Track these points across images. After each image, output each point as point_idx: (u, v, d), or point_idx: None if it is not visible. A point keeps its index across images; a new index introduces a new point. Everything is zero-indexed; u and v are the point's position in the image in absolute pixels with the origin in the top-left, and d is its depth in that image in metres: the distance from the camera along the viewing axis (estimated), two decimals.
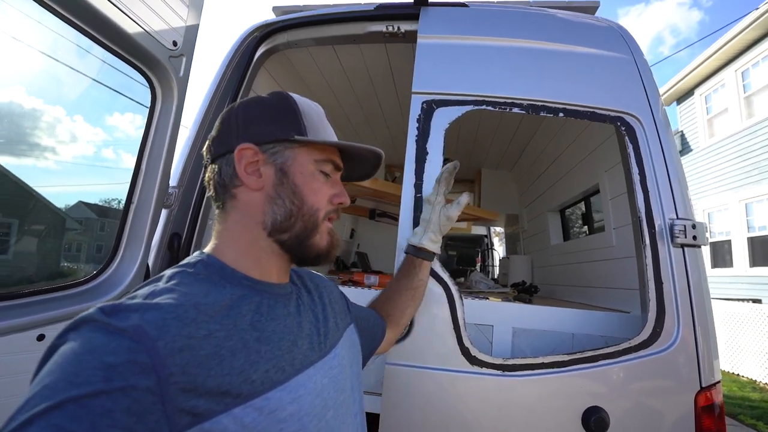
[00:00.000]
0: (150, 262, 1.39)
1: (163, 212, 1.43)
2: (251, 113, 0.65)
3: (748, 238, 7.50)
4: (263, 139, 0.63)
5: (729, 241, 7.90)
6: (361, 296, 1.35)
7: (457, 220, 2.56)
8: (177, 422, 0.42)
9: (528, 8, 1.49)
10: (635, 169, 1.25)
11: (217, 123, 0.67)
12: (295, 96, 0.68)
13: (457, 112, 1.32)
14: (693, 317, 1.14)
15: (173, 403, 0.42)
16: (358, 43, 1.72)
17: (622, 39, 1.39)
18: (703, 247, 1.21)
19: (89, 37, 1.21)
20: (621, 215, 1.63)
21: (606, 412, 1.09)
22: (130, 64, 1.32)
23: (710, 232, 8.42)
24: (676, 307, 1.15)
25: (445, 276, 1.21)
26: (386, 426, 1.13)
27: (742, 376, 5.87)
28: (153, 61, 1.33)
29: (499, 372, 1.13)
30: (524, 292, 2.18)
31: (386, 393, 1.15)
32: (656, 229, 1.19)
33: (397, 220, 1.30)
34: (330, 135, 0.69)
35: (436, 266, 1.22)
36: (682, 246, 1.18)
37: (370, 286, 1.73)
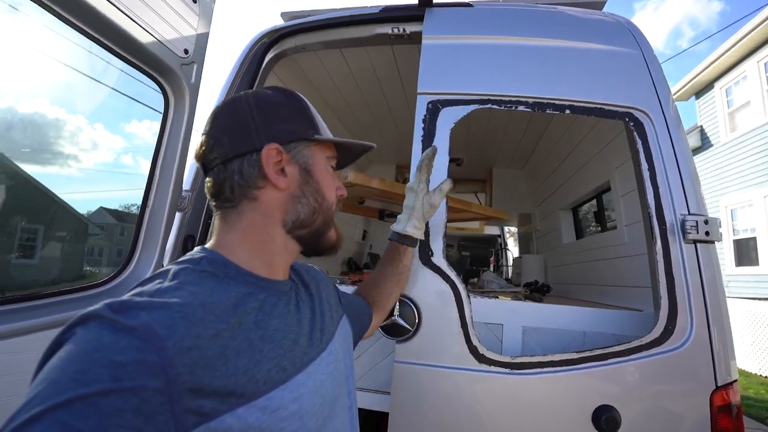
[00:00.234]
0: (165, 263, 1.43)
1: (177, 215, 1.47)
2: (269, 112, 0.64)
3: None
4: (286, 139, 0.63)
5: (754, 239, 7.64)
6: None
7: (468, 220, 2.56)
8: (184, 422, 0.43)
9: (533, 6, 1.48)
10: (645, 165, 1.23)
11: (221, 121, 0.63)
12: (299, 94, 0.69)
13: (462, 111, 1.33)
14: (707, 314, 1.12)
15: (180, 403, 0.42)
16: (364, 45, 1.74)
17: (630, 34, 1.37)
18: (718, 243, 1.18)
19: (104, 48, 1.26)
20: (632, 212, 1.60)
21: (617, 411, 1.07)
22: (143, 72, 1.36)
23: (734, 229, 8.17)
24: (689, 304, 1.13)
25: (452, 274, 1.21)
26: (395, 424, 1.14)
27: None
28: (165, 69, 1.37)
29: (507, 370, 1.13)
30: (536, 292, 2.16)
31: (395, 391, 1.16)
32: (667, 225, 1.18)
33: None
34: (329, 132, 0.71)
35: (443, 265, 1.22)
36: (695, 242, 1.16)
37: None
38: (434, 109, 1.34)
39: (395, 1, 1.63)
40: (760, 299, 6.36)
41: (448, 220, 1.35)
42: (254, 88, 1.67)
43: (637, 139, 1.25)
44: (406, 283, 1.12)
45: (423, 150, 1.32)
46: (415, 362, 1.16)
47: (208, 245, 0.62)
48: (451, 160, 3.64)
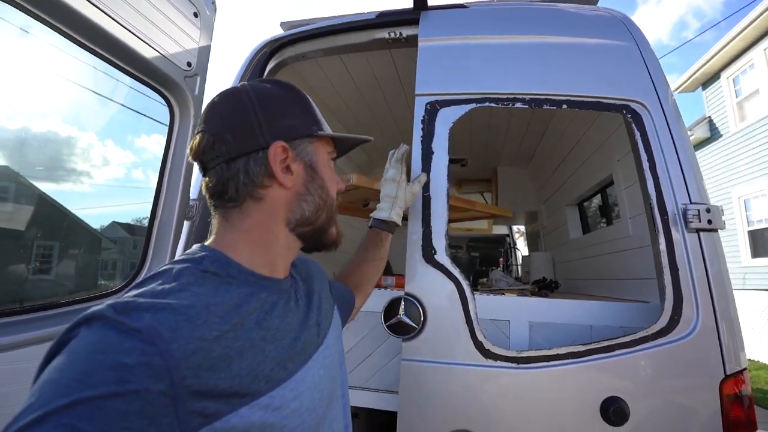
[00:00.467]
0: None
1: (186, 224, 1.51)
2: (272, 107, 0.62)
3: None
4: (291, 135, 0.62)
5: None
6: (380, 296, 1.39)
7: (472, 219, 2.57)
8: (188, 423, 0.43)
9: (527, 4, 1.50)
10: (644, 156, 1.24)
11: (221, 116, 0.61)
12: (297, 87, 0.68)
13: (460, 111, 1.34)
14: (713, 303, 1.12)
15: (185, 406, 0.42)
16: (363, 51, 1.77)
17: (625, 27, 1.38)
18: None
19: (110, 64, 1.30)
20: (635, 204, 1.60)
21: (625, 402, 1.07)
22: (148, 86, 1.41)
23: (748, 220, 8.02)
24: (694, 293, 1.12)
25: (456, 272, 1.23)
26: (404, 421, 1.15)
27: None
28: (170, 82, 1.42)
29: (513, 365, 1.14)
30: (545, 288, 2.16)
31: (402, 389, 1.17)
32: (669, 215, 1.18)
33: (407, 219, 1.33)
34: (327, 125, 0.70)
35: (447, 263, 1.24)
36: (698, 231, 1.16)
37: (387, 287, 1.76)
38: (432, 110, 1.36)
39: (391, 5, 1.66)
40: None
41: (453, 220, 1.36)
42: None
43: (636, 130, 1.26)
44: (383, 268, 1.16)
45: (423, 150, 1.34)
46: (421, 360, 1.18)
47: (208, 243, 0.61)
48: (455, 161, 3.66)
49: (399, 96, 2.40)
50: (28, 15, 1.09)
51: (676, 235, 1.16)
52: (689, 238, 1.16)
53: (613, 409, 1.06)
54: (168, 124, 1.48)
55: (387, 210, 1.15)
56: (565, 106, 1.30)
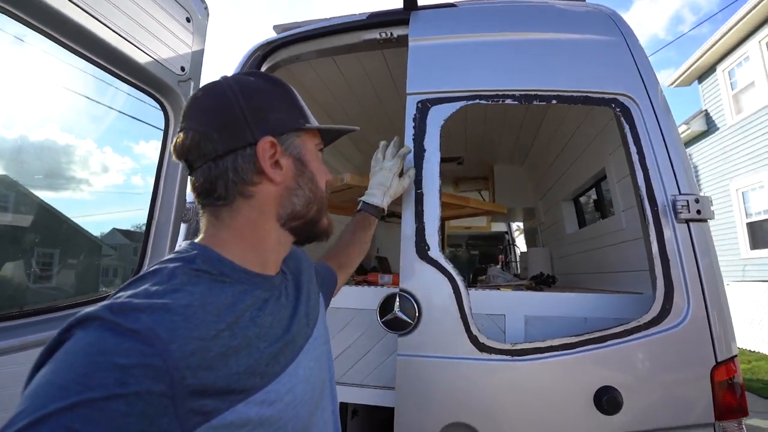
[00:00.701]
0: None
1: (183, 226, 1.52)
2: (257, 101, 0.60)
3: None
4: (279, 130, 0.61)
5: (767, 220, 7.51)
6: (377, 293, 1.41)
7: (467, 216, 2.59)
8: (187, 422, 0.43)
9: (516, 2, 1.51)
10: (634, 149, 1.25)
11: (205, 113, 0.59)
12: (282, 79, 0.67)
13: (451, 108, 1.36)
14: (704, 292, 1.13)
15: (184, 405, 0.43)
16: (355, 51, 1.79)
17: (613, 23, 1.40)
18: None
19: (105, 70, 1.32)
20: (628, 197, 1.62)
21: (618, 391, 1.09)
22: (143, 92, 1.43)
23: (746, 212, 8.03)
24: (684, 283, 1.14)
25: (449, 267, 1.24)
26: (401, 416, 1.16)
27: None
28: (164, 87, 1.44)
29: (508, 357, 1.15)
30: (542, 284, 2.17)
31: (399, 384, 1.19)
32: (659, 206, 1.19)
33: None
34: (313, 117, 0.69)
35: (440, 258, 1.25)
36: (687, 221, 1.17)
37: (383, 285, 1.77)
38: (424, 108, 1.38)
39: (382, 6, 1.68)
40: None
41: (448, 217, 1.38)
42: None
43: (625, 123, 1.27)
44: (367, 250, 1.19)
45: (415, 148, 1.35)
46: (417, 354, 1.19)
47: (198, 240, 0.60)
48: (451, 160, 3.67)
49: (392, 95, 2.42)
50: (22, 24, 1.10)
51: (666, 226, 1.18)
52: (679, 228, 1.17)
53: (607, 399, 1.08)
54: (163, 128, 1.50)
55: (379, 197, 1.20)
56: (554, 101, 1.32)
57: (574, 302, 1.32)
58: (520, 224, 5.91)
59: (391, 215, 1.34)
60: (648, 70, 1.32)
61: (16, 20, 1.09)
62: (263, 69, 1.80)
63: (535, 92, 1.33)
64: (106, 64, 1.31)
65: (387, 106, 2.60)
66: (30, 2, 1.05)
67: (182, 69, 1.47)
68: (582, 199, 2.58)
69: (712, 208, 1.19)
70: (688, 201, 1.17)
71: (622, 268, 1.71)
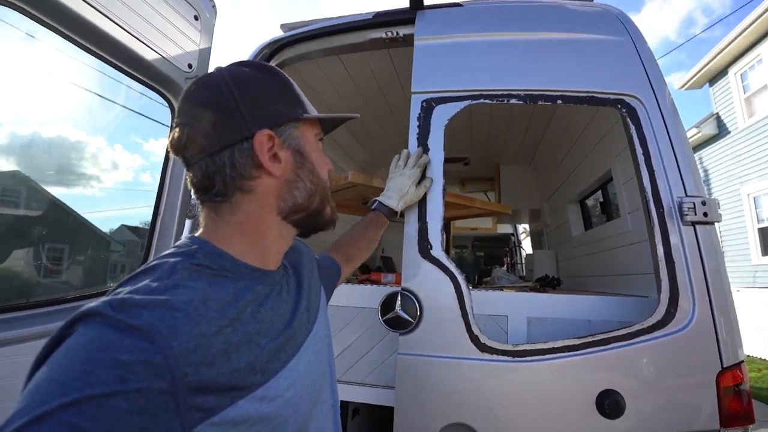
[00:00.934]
0: None
1: (187, 222, 1.54)
2: (253, 93, 0.58)
3: None
4: (276, 122, 0.59)
5: None
6: (379, 292, 1.41)
7: (472, 216, 2.58)
8: (189, 419, 0.43)
9: (522, 2, 1.51)
10: (640, 150, 1.24)
11: (200, 107, 0.57)
12: (278, 68, 0.65)
13: (455, 108, 1.36)
14: (710, 296, 1.12)
15: (186, 402, 0.43)
16: (361, 50, 1.79)
17: (620, 22, 1.39)
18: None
19: (114, 67, 1.34)
20: (634, 199, 1.60)
21: (621, 395, 1.08)
22: (151, 88, 1.44)
23: (758, 218, 7.90)
24: (690, 286, 1.12)
25: (452, 267, 1.24)
26: (401, 415, 1.16)
27: None
28: (171, 84, 1.45)
29: (509, 358, 1.15)
30: (546, 286, 2.16)
31: (399, 383, 1.19)
32: (665, 208, 1.18)
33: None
34: (311, 105, 0.68)
35: (443, 258, 1.25)
36: (693, 224, 1.16)
37: (386, 284, 1.77)
38: (428, 107, 1.37)
39: (388, 5, 1.68)
40: None
41: (452, 218, 1.38)
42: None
43: (631, 124, 1.26)
44: (374, 248, 1.22)
45: (417, 146, 1.35)
46: (418, 354, 1.19)
47: (198, 235, 0.59)
48: (457, 160, 3.66)
49: (398, 94, 2.42)
50: (34, 20, 1.12)
51: (671, 228, 1.16)
52: (685, 231, 1.16)
53: (609, 402, 1.06)
54: (170, 124, 1.52)
55: (395, 200, 1.24)
56: (560, 102, 1.31)
57: (577, 304, 1.31)
58: (527, 226, 5.87)
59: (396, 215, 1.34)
60: (655, 71, 1.31)
61: (29, 17, 1.11)
62: None
63: (540, 92, 1.32)
64: (115, 61, 1.33)
65: (393, 105, 2.60)
66: (44, 0, 1.07)
67: (189, 66, 1.48)
68: (588, 201, 2.55)
69: (719, 211, 1.18)
70: (694, 203, 1.16)
71: (627, 271, 1.70)
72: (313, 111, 0.66)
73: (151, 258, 1.45)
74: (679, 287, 1.12)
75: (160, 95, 1.46)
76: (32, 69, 1.40)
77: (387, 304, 1.27)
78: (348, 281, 1.86)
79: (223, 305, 0.51)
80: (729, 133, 8.57)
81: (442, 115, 1.36)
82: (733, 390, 1.07)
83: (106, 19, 1.20)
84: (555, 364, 1.12)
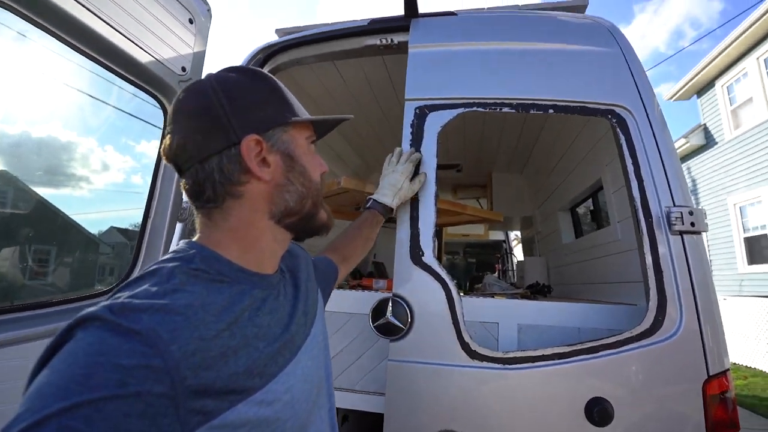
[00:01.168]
0: None
1: (178, 226, 1.52)
2: (239, 99, 0.58)
3: None
4: (263, 127, 0.59)
5: (765, 236, 7.52)
6: (370, 298, 1.40)
7: (464, 223, 2.59)
8: (188, 422, 0.43)
9: (516, 12, 1.53)
10: (629, 160, 1.26)
11: (188, 115, 0.58)
12: (267, 72, 0.65)
13: (448, 115, 1.37)
14: (696, 305, 1.13)
15: (185, 405, 0.43)
16: (356, 57, 1.80)
17: (610, 34, 1.41)
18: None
19: (107, 69, 1.33)
20: (624, 208, 1.62)
21: (609, 402, 1.08)
22: (144, 90, 1.43)
23: (744, 227, 8.05)
24: (677, 295, 1.14)
25: (443, 273, 1.24)
26: (390, 422, 1.16)
27: None
28: (164, 87, 1.44)
29: (499, 365, 1.15)
30: (537, 293, 2.17)
31: (389, 390, 1.18)
32: (653, 217, 1.20)
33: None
34: (303, 108, 0.68)
35: (434, 264, 1.25)
36: (681, 233, 1.18)
37: (378, 290, 1.77)
38: (421, 114, 1.38)
39: (383, 13, 1.69)
40: None
41: (444, 224, 1.38)
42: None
43: (621, 134, 1.28)
44: (370, 247, 1.22)
45: None
46: (408, 360, 1.19)
47: (195, 240, 0.60)
48: (450, 167, 3.67)
49: (392, 99, 2.44)
50: (26, 21, 1.11)
51: (660, 238, 1.18)
52: (673, 240, 1.17)
53: (597, 410, 1.07)
54: (162, 127, 1.50)
55: (390, 197, 1.24)
56: (551, 111, 1.33)
57: (567, 312, 1.32)
58: (518, 233, 5.93)
59: (389, 220, 1.34)
60: (644, 83, 1.33)
61: (20, 17, 1.10)
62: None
63: (533, 101, 1.34)
64: (108, 63, 1.32)
65: (386, 110, 2.62)
66: (36, 0, 1.06)
67: (183, 69, 1.48)
68: (579, 209, 2.58)
69: (706, 221, 1.20)
70: (682, 213, 1.17)
71: (616, 279, 1.71)
72: (304, 114, 0.66)
73: (140, 261, 1.43)
74: (667, 296, 1.14)
75: (153, 98, 1.45)
76: (23, 68, 1.38)
77: (378, 311, 1.26)
78: (340, 286, 1.85)
79: (221, 309, 0.51)
80: (716, 143, 8.74)
81: (435, 122, 1.38)
82: (719, 398, 1.09)
83: (99, 20, 1.19)
84: (545, 371, 1.13)
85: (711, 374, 1.09)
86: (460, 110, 1.37)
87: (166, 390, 0.41)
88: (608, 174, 1.78)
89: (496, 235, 6.02)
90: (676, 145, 9.15)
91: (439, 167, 1.36)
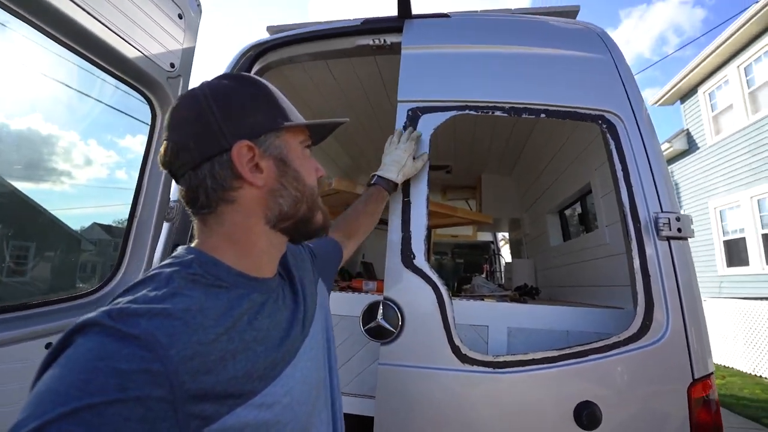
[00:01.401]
0: None
1: (165, 225, 1.49)
2: (230, 106, 0.59)
3: (762, 234, 7.35)
4: (255, 133, 0.59)
5: (743, 239, 7.74)
6: (360, 300, 1.39)
7: (454, 225, 2.60)
8: (187, 426, 0.43)
9: (509, 16, 1.54)
10: (618, 166, 1.27)
11: (181, 123, 0.59)
12: (260, 78, 0.66)
13: (441, 117, 1.37)
14: (682, 309, 1.15)
15: (184, 409, 0.43)
16: (348, 56, 1.79)
17: (601, 41, 1.43)
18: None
19: (92, 63, 1.29)
20: (612, 212, 1.64)
21: (597, 406, 1.09)
22: (130, 86, 1.40)
23: (724, 230, 8.28)
24: (664, 299, 1.16)
25: (434, 277, 1.24)
26: (380, 425, 1.15)
27: (765, 378, 5.70)
28: (152, 83, 1.41)
29: (490, 369, 1.15)
30: (525, 295, 2.19)
31: (379, 393, 1.17)
32: (641, 223, 1.21)
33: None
34: (297, 113, 0.68)
35: (425, 267, 1.25)
36: (668, 239, 1.20)
37: (368, 292, 1.76)
38: (414, 116, 1.38)
39: (377, 13, 1.68)
40: (752, 298, 6.42)
41: (434, 226, 1.38)
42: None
43: (610, 140, 1.29)
44: (376, 224, 1.25)
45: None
46: (399, 364, 1.18)
47: (194, 245, 0.61)
48: (440, 168, 3.68)
49: (383, 100, 2.43)
50: (6, 11, 1.07)
51: (648, 243, 1.19)
52: (660, 245, 1.19)
53: (586, 414, 1.08)
54: (150, 123, 1.47)
55: (395, 172, 1.25)
56: (543, 115, 1.34)
57: (556, 315, 1.33)
58: (506, 234, 5.97)
59: (381, 222, 1.33)
60: (634, 89, 1.35)
61: (1, 8, 1.05)
62: (255, 69, 1.78)
63: (525, 105, 1.35)
64: (92, 56, 1.28)
65: (378, 111, 2.61)
66: None
67: (172, 65, 1.44)
68: (567, 213, 2.61)
69: (692, 227, 1.22)
70: (669, 219, 1.19)
71: (604, 283, 1.74)
72: (299, 118, 0.66)
73: (125, 260, 1.40)
74: (654, 300, 1.15)
75: (140, 94, 1.42)
76: (2, 60, 1.33)
77: (369, 313, 1.25)
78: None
79: (220, 314, 0.52)
80: (698, 148, 8.96)
81: (427, 125, 1.37)
82: (703, 401, 1.11)
83: (84, 12, 1.15)
84: (535, 375, 1.13)
85: (696, 377, 1.11)
86: (453, 113, 1.37)
87: (165, 394, 0.42)
88: (597, 178, 1.80)
89: (484, 236, 6.06)
90: None
91: (430, 168, 1.36)
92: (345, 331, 1.43)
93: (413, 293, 1.23)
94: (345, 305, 1.43)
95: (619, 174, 1.26)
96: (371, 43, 1.62)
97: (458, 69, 1.41)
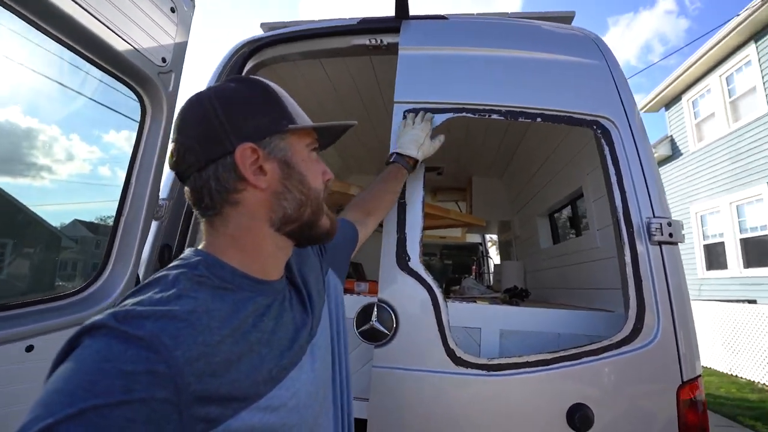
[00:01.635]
0: (140, 273, 1.41)
1: (154, 224, 1.45)
2: (235, 108, 0.59)
3: (740, 239, 7.57)
4: (259, 135, 0.60)
5: (722, 243, 7.97)
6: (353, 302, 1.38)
7: (447, 227, 2.60)
8: (192, 429, 0.43)
9: (506, 20, 1.54)
10: (612, 170, 1.29)
11: (188, 125, 0.60)
12: (267, 81, 0.66)
13: (438, 119, 1.36)
14: (672, 313, 1.17)
15: (189, 412, 0.43)
16: (343, 56, 1.77)
17: (596, 47, 1.44)
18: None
19: (80, 56, 1.25)
20: (604, 216, 1.66)
21: (590, 408, 1.10)
22: (120, 81, 1.36)
23: (704, 235, 8.50)
24: (655, 303, 1.17)
25: (429, 279, 1.23)
26: (374, 428, 1.14)
27: (741, 378, 5.86)
28: (143, 78, 1.37)
29: (483, 372, 1.15)
30: (515, 297, 2.20)
31: (373, 396, 1.16)
32: (634, 227, 1.23)
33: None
34: (305, 115, 0.68)
35: (420, 270, 1.24)
36: (660, 243, 1.21)
37: (359, 293, 1.75)
38: None
39: (373, 13, 1.67)
40: (729, 301, 6.61)
41: (428, 228, 1.37)
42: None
43: (605, 145, 1.31)
44: (395, 203, 1.27)
45: None
46: (393, 366, 1.17)
47: (201, 247, 0.61)
48: (431, 169, 3.68)
49: (377, 101, 2.42)
50: None
51: (640, 247, 1.21)
52: (652, 250, 1.21)
53: (579, 416, 1.09)
54: (139, 119, 1.43)
55: (414, 149, 1.25)
56: (539, 119, 1.35)
57: (548, 318, 1.34)
58: (494, 236, 6.01)
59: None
60: (627, 95, 1.37)
61: None
62: (248, 66, 1.75)
63: (521, 109, 1.35)
64: (80, 48, 1.23)
65: (371, 112, 2.60)
66: None
67: (163, 60, 1.41)
68: (557, 216, 2.64)
69: (682, 232, 1.24)
70: (661, 224, 1.21)
71: (594, 285, 1.76)
72: (306, 122, 0.65)
73: (112, 259, 1.36)
74: (646, 304, 1.17)
75: (130, 89, 1.38)
76: None
77: (362, 316, 1.24)
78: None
79: (225, 315, 0.52)
80: (681, 155, 9.19)
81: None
82: (691, 402, 1.13)
83: (74, 3, 1.11)
84: (528, 378, 1.14)
85: (684, 380, 1.13)
86: (450, 115, 1.36)
87: (170, 395, 0.42)
88: (589, 182, 1.82)
89: (473, 238, 6.09)
90: None
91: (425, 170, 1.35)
92: None
93: (408, 296, 1.22)
94: None
95: (613, 179, 1.28)
96: (368, 42, 1.61)
97: (455, 71, 1.41)
